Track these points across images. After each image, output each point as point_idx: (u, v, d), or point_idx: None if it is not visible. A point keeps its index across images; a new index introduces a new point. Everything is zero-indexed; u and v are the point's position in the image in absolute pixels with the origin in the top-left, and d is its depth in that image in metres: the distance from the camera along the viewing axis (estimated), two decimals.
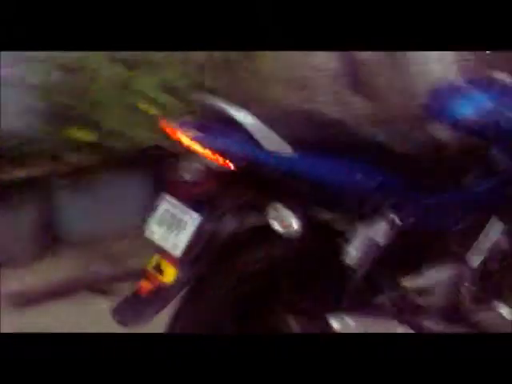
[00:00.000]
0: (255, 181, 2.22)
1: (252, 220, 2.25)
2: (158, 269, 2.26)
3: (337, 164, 2.29)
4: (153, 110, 3.48)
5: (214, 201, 2.23)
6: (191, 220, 2.21)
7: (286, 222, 2.17)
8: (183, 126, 2.25)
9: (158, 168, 3.80)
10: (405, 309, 2.51)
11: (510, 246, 2.69)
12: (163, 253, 2.26)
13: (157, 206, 2.35)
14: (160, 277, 2.24)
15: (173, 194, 2.32)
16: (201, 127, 2.23)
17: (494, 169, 2.55)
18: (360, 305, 2.44)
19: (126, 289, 3.35)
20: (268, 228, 2.23)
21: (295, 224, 2.17)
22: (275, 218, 2.19)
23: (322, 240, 2.29)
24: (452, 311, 2.60)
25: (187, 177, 2.45)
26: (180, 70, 3.68)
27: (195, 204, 2.24)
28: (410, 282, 2.52)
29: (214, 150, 2.18)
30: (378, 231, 2.38)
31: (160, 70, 3.60)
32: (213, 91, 3.74)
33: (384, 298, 2.48)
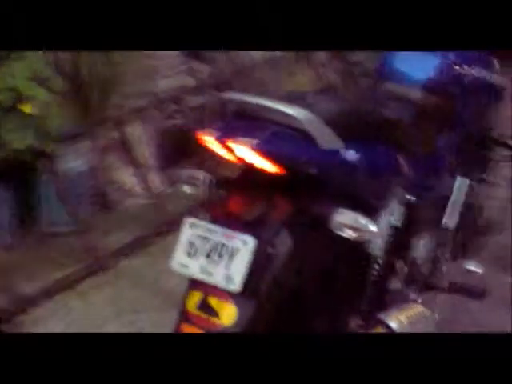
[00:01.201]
0: (310, 186, 1.91)
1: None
2: (209, 309, 1.86)
3: (371, 150, 2.08)
4: (30, 108, 2.88)
5: (265, 216, 1.89)
6: (244, 245, 1.84)
7: (361, 227, 1.89)
8: (229, 132, 1.86)
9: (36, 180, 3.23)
10: (417, 286, 2.42)
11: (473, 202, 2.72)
12: (210, 289, 1.87)
13: (181, 232, 1.93)
14: (214, 319, 1.85)
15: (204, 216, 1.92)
16: (252, 132, 1.86)
17: (459, 126, 2.53)
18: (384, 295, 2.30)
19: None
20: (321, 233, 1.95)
21: (373, 227, 1.91)
22: (345, 226, 1.90)
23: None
24: (432, 277, 2.56)
25: (193, 190, 2.06)
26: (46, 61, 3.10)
27: (242, 224, 1.88)
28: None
29: (272, 156, 1.83)
30: (394, 214, 2.24)
31: (25, 62, 2.98)
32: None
33: (396, 281, 2.35)
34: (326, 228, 1.92)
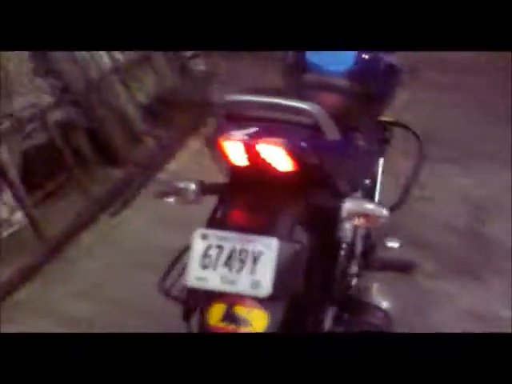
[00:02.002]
0: (320, 179, 1.93)
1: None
2: (237, 319, 1.81)
3: (350, 138, 2.15)
4: None
5: (278, 215, 1.87)
6: (267, 247, 1.81)
7: (370, 213, 1.93)
8: (257, 135, 1.82)
9: None
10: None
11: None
12: (234, 298, 1.82)
13: (193, 244, 1.86)
14: (245, 328, 1.80)
15: (213, 224, 1.86)
16: (280, 133, 1.84)
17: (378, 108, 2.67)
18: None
19: None
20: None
21: (384, 211, 1.95)
22: (356, 214, 1.93)
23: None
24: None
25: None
26: None
27: (259, 227, 1.85)
28: None
29: (293, 152, 1.82)
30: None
31: None
32: None
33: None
34: (334, 220, 1.95)
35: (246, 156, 1.87)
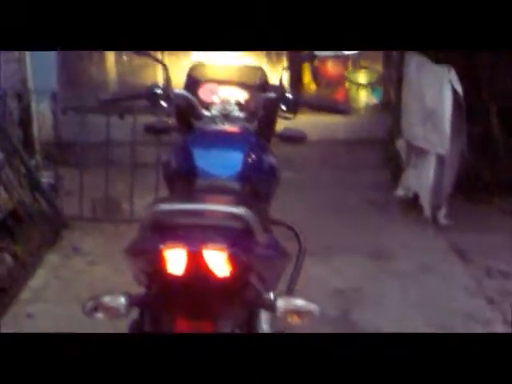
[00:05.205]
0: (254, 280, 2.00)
1: None
2: None
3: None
4: None
5: (223, 319, 1.92)
6: None
7: (307, 310, 2.01)
8: (198, 241, 1.90)
9: None
10: None
11: None
12: None
13: None
14: None
15: None
16: (219, 238, 1.94)
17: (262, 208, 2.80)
18: None
19: None
20: None
21: (316, 306, 2.04)
22: (290, 311, 2.01)
23: None
24: None
25: None
26: None
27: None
28: None
29: (234, 256, 1.92)
30: None
31: None
32: None
33: None
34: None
35: (186, 263, 1.87)
